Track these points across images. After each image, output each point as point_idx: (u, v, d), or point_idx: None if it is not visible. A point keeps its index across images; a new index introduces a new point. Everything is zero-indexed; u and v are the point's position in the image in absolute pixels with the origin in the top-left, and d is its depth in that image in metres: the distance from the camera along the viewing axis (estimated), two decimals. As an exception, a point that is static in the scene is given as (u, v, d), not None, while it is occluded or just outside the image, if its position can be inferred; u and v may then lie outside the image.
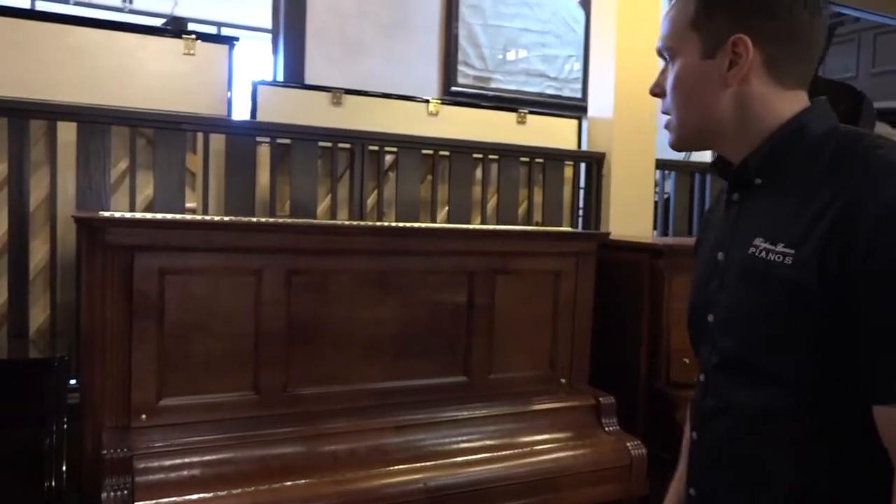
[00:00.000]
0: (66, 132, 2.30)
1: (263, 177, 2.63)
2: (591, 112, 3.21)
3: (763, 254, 0.99)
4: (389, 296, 2.17)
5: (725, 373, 1.05)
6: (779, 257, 0.97)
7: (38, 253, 2.32)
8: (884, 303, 0.88)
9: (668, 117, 1.12)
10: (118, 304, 1.83)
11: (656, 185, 3.34)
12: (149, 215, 2.14)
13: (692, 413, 1.15)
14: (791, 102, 1.05)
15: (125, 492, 1.67)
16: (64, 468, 1.81)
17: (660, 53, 1.13)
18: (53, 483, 1.77)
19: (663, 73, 1.12)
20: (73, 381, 2.05)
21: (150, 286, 1.86)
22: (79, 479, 1.84)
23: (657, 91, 1.14)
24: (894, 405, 0.89)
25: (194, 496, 1.74)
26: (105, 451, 1.71)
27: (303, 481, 1.88)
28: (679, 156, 3.54)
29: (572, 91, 5.84)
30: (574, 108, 4.86)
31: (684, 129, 1.10)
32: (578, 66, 5.79)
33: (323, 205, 2.72)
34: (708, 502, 1.11)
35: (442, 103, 3.02)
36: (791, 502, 0.99)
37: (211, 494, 1.79)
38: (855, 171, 0.93)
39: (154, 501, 1.67)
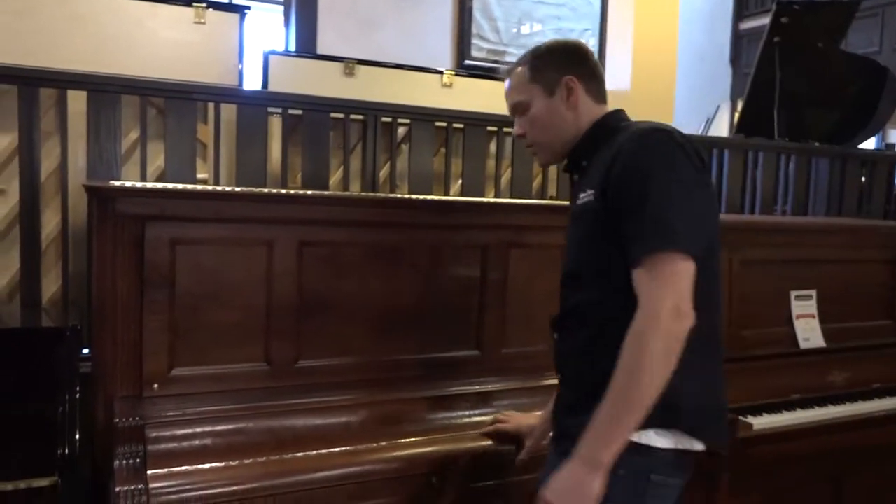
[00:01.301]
0: (76, 102, 2.28)
1: (275, 148, 2.60)
2: (607, 85, 3.14)
3: (581, 200, 1.51)
4: (402, 268, 2.15)
5: (564, 286, 1.57)
6: (588, 198, 1.48)
7: (50, 223, 2.31)
8: (626, 194, 1.39)
9: (532, 148, 1.66)
10: (129, 274, 1.82)
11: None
12: (160, 185, 2.12)
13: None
14: (600, 110, 1.60)
15: (137, 460, 1.67)
16: (77, 436, 1.81)
17: (514, 110, 1.65)
18: (66, 451, 1.77)
19: (520, 123, 1.65)
20: (85, 351, 2.05)
21: (161, 256, 1.84)
22: (91, 448, 1.84)
23: (521, 132, 1.65)
24: (637, 266, 1.34)
25: (206, 465, 1.74)
26: (117, 420, 1.71)
27: (314, 452, 1.88)
28: (698, 129, 3.49)
29: (587, 67, 5.75)
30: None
31: (550, 148, 1.63)
32: (594, 40, 5.67)
33: (335, 177, 2.69)
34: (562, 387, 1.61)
35: (456, 75, 2.97)
36: (580, 384, 1.48)
37: (222, 464, 1.79)
38: (620, 138, 1.46)
39: (166, 470, 1.67)
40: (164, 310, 1.85)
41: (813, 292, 2.70)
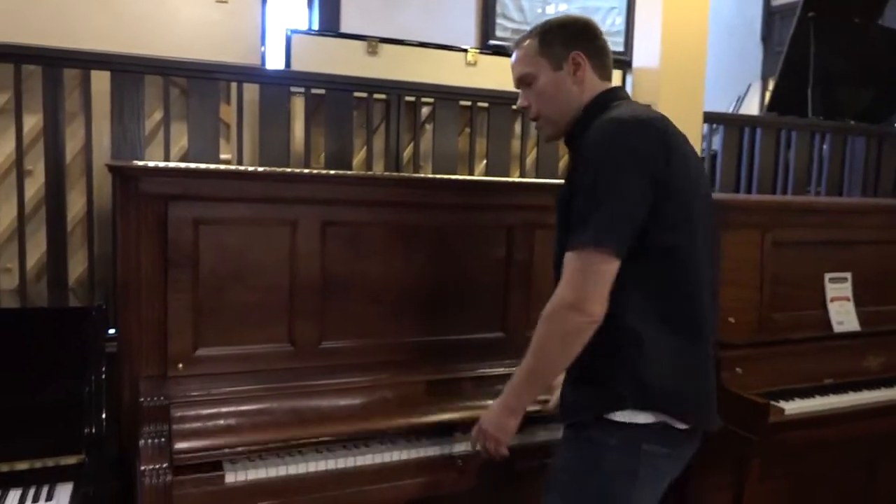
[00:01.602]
0: (100, 82, 2.28)
1: (298, 129, 2.58)
2: (636, 62, 3.08)
3: (564, 187, 1.57)
4: (425, 249, 2.12)
5: (555, 275, 1.54)
6: (563, 185, 1.58)
7: (76, 204, 2.32)
8: (574, 187, 1.47)
9: (537, 122, 1.68)
10: (153, 254, 1.82)
11: (703, 140, 3.21)
12: (182, 164, 2.11)
13: None
14: (603, 87, 1.62)
15: (162, 439, 1.67)
16: (103, 415, 1.82)
17: (520, 82, 1.67)
18: (93, 430, 1.78)
19: (525, 96, 1.67)
20: (112, 331, 2.06)
21: (185, 236, 1.83)
22: (118, 426, 1.85)
23: (525, 104, 1.67)
24: (570, 250, 1.43)
25: (230, 444, 1.74)
26: (142, 399, 1.71)
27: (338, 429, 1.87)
28: (728, 108, 3.40)
29: (614, 45, 5.58)
30: (615, 64, 4.70)
31: (555, 122, 1.64)
32: (620, 19, 5.57)
33: (358, 157, 2.67)
34: None
35: (480, 53, 2.92)
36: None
37: (247, 440, 1.79)
38: (595, 121, 1.52)
39: (190, 446, 1.67)
40: (188, 290, 1.85)
41: (848, 274, 2.63)
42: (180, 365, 1.85)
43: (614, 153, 1.43)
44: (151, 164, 1.86)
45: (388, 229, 2.07)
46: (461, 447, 1.89)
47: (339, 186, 2.00)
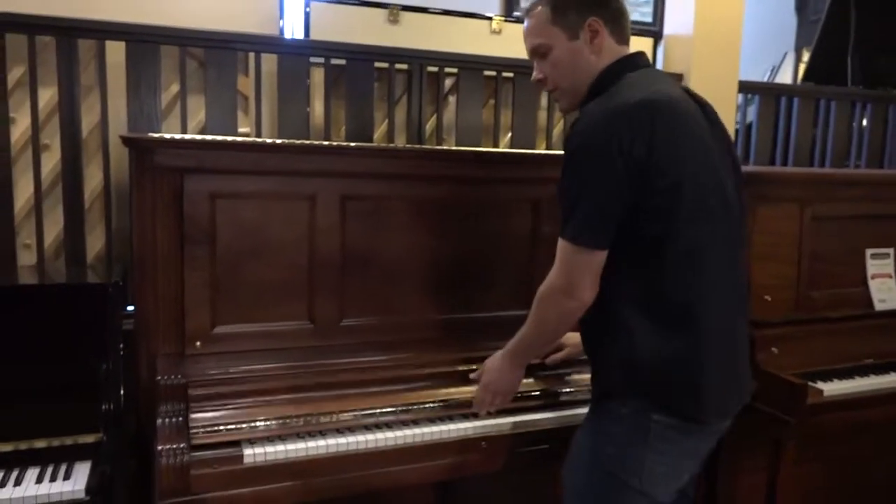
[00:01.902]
0: (115, 54, 2.22)
1: (318, 101, 2.51)
2: (667, 29, 2.95)
3: None
4: (449, 224, 2.05)
5: None
6: None
7: (93, 180, 2.28)
8: (561, 171, 1.49)
9: (554, 94, 1.62)
10: (169, 229, 1.77)
11: (737, 111, 3.08)
12: (198, 136, 2.05)
13: None
14: (621, 52, 1.55)
15: (180, 418, 1.63)
16: (121, 393, 1.79)
17: (533, 53, 1.60)
18: (111, 407, 1.75)
19: (539, 68, 1.60)
20: (131, 308, 2.02)
21: (201, 210, 1.78)
22: (135, 404, 1.82)
23: (540, 77, 1.60)
24: (560, 235, 1.48)
25: (249, 422, 1.70)
26: (159, 378, 1.67)
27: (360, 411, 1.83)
28: (764, 77, 3.26)
29: (642, 14, 5.44)
30: (643, 34, 4.55)
31: (574, 93, 1.57)
32: (652, -15, 5.40)
33: (380, 130, 2.59)
34: None
35: (505, 20, 2.81)
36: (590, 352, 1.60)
37: (266, 418, 1.75)
38: (589, 104, 1.51)
39: (208, 424, 1.63)
40: (205, 266, 1.80)
41: (890, 250, 2.51)
42: (198, 343, 1.81)
43: (586, 149, 1.42)
44: (167, 135, 1.80)
45: (410, 203, 2.00)
46: (485, 428, 1.84)
47: (358, 159, 1.93)
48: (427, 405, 1.88)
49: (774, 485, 2.30)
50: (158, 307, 1.78)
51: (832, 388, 2.25)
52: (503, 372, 1.73)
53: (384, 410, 1.82)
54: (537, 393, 1.94)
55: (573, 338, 1.90)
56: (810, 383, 2.20)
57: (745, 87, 3.06)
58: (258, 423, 1.73)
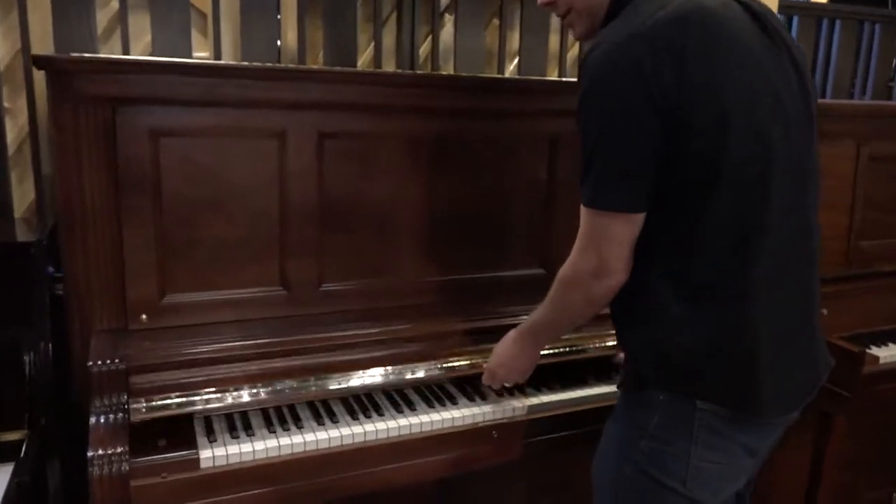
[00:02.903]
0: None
1: (290, 21, 2.12)
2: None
3: None
4: (449, 167, 1.70)
5: None
6: None
7: (18, 118, 1.89)
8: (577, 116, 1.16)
9: (566, 19, 1.31)
10: (99, 175, 1.41)
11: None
12: (133, 57, 1.66)
13: None
14: None
15: (119, 416, 1.31)
16: (49, 377, 1.46)
17: None
18: (39, 397, 1.42)
19: None
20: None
21: (140, 151, 1.42)
22: (69, 390, 1.49)
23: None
24: (582, 202, 1.17)
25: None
26: (92, 364, 1.33)
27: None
28: (807, -5, 2.87)
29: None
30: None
31: (589, 16, 1.26)
32: None
33: (364, 56, 2.20)
34: None
35: (512, -76, 2.39)
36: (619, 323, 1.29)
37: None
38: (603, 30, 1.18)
39: (154, 409, 1.31)
40: (149, 221, 1.45)
41: (952, 195, 2.20)
42: (144, 316, 1.47)
43: (601, 86, 1.11)
44: (89, 55, 1.42)
45: (403, 142, 1.64)
46: (496, 414, 1.53)
47: (338, 86, 1.56)
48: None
49: (821, 461, 2.04)
50: (90, 273, 1.44)
51: (890, 353, 1.97)
52: (515, 357, 1.46)
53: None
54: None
55: None
56: (866, 349, 1.92)
57: (787, 8, 2.67)
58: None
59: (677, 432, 1.15)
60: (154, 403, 1.34)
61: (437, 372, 1.58)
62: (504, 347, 1.47)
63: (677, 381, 1.15)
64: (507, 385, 1.54)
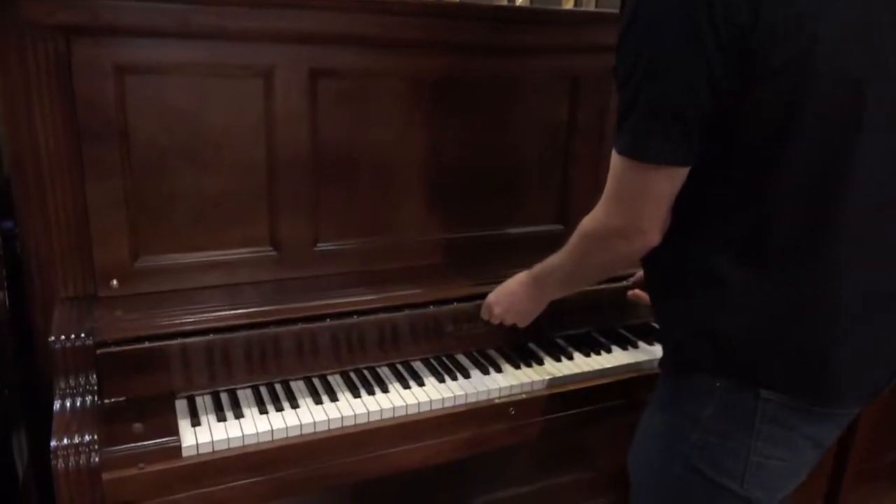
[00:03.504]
0: None
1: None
2: None
3: None
4: (458, 111, 1.50)
5: None
6: None
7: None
8: (618, 45, 0.96)
9: None
10: (55, 121, 1.21)
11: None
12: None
13: None
14: None
15: (88, 399, 1.15)
16: (9, 355, 1.29)
17: None
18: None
19: None
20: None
21: (103, 92, 1.21)
22: (33, 367, 1.33)
23: None
24: (615, 148, 0.99)
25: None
26: (54, 339, 1.16)
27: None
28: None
29: None
30: None
31: None
32: None
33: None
34: None
35: None
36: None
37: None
38: None
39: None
40: (116, 173, 1.25)
41: None
42: (114, 282, 1.30)
43: (651, 15, 0.91)
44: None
45: (406, 82, 1.44)
46: (514, 389, 1.38)
47: (333, 15, 1.33)
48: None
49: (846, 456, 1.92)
50: (51, 233, 1.25)
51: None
52: (518, 300, 1.33)
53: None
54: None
55: None
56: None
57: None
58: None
59: (735, 425, 1.00)
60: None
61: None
62: (509, 286, 1.34)
63: (737, 366, 0.99)
64: (505, 323, 1.38)
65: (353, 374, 1.37)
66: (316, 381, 1.34)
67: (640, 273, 1.49)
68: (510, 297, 1.34)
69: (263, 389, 1.31)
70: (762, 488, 1.02)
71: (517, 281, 1.33)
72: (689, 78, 0.90)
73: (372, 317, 1.38)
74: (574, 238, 1.13)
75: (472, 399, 1.35)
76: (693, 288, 1.03)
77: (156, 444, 1.13)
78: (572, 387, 1.41)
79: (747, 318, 0.97)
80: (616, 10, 1.50)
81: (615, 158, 0.99)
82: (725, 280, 0.98)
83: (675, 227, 1.01)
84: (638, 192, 0.99)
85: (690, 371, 1.04)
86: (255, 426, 1.20)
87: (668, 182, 0.97)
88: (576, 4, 2.19)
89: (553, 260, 1.21)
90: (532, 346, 1.52)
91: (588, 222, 1.09)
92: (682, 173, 0.97)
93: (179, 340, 1.24)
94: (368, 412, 1.27)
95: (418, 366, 1.42)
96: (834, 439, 1.09)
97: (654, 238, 1.01)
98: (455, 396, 1.33)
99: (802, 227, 0.95)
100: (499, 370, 1.42)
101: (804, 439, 1.02)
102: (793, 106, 0.90)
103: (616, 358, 1.49)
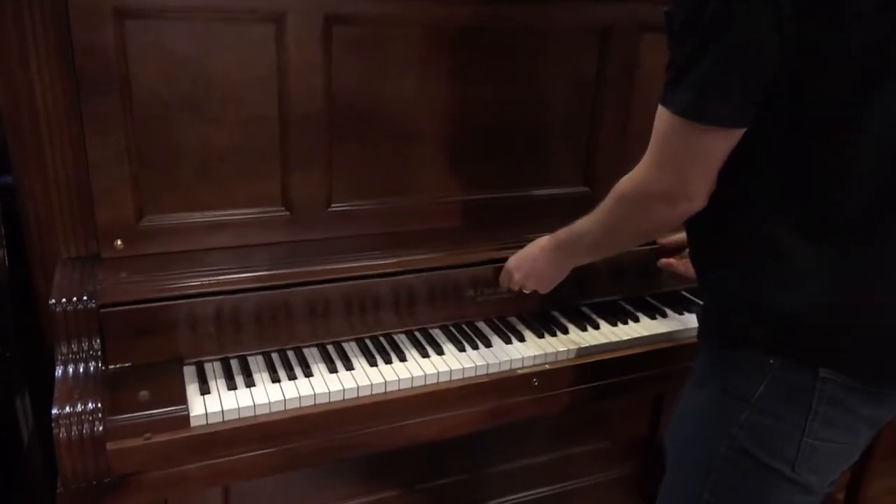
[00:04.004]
0: None
1: None
2: None
3: None
4: (480, 64, 1.41)
5: None
6: None
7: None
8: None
9: None
10: (51, 70, 1.13)
11: None
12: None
13: None
14: None
15: (91, 364, 1.09)
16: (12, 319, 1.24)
17: None
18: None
19: None
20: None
21: (102, 38, 1.13)
22: (36, 330, 1.27)
23: None
24: (662, 104, 0.90)
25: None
26: (55, 302, 1.10)
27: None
28: None
29: None
30: None
31: None
32: None
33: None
34: None
35: None
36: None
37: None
38: None
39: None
40: (117, 126, 1.18)
41: None
42: (118, 242, 1.23)
43: None
44: None
45: (426, 32, 1.35)
46: (537, 359, 1.32)
47: (349, -43, 1.24)
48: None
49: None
50: (50, 191, 1.18)
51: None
52: (540, 266, 1.26)
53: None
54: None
55: None
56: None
57: None
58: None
59: (791, 405, 0.92)
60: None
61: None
62: (531, 250, 1.28)
63: (796, 344, 0.92)
64: (525, 291, 1.32)
65: (368, 341, 1.31)
66: (330, 348, 1.28)
67: (671, 238, 1.41)
68: (531, 262, 1.27)
69: (275, 356, 1.25)
70: (814, 472, 0.95)
71: (539, 245, 1.26)
72: (758, 33, 0.81)
73: (389, 280, 1.31)
74: (608, 201, 1.05)
75: (493, 369, 1.28)
76: (749, 259, 0.94)
77: (163, 412, 1.07)
78: (599, 357, 1.35)
79: (811, 294, 0.89)
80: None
81: (665, 117, 0.90)
82: (787, 253, 0.90)
83: (730, 192, 0.93)
84: (690, 154, 0.90)
85: (739, 346, 0.96)
86: (266, 395, 1.14)
87: (724, 143, 0.88)
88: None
89: (581, 224, 1.13)
90: (556, 314, 1.45)
91: (627, 184, 1.00)
92: (738, 135, 0.88)
93: (187, 302, 1.18)
94: (385, 382, 1.21)
95: (437, 333, 1.36)
96: (889, 420, 1.02)
97: (699, 203, 0.93)
98: (476, 366, 1.27)
99: (883, 198, 0.86)
100: (521, 339, 1.35)
101: (862, 421, 0.95)
102: (874, 59, 0.80)
103: (645, 327, 1.42)
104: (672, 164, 0.92)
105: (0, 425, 1.29)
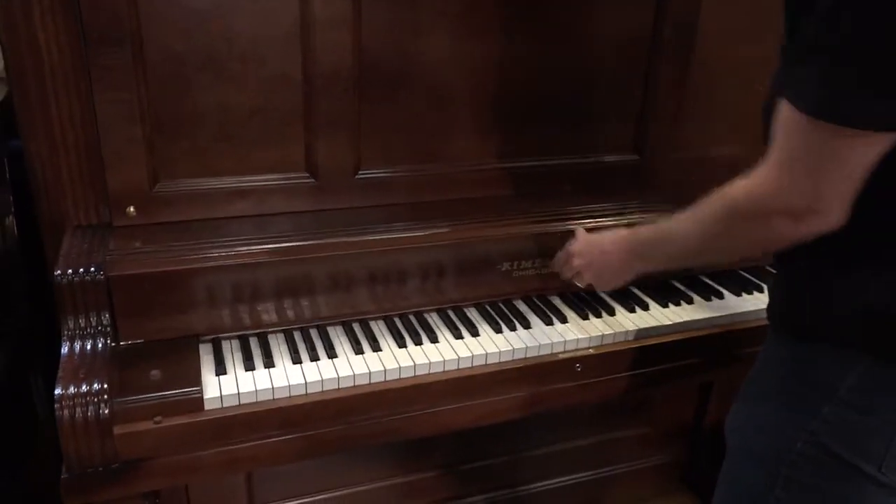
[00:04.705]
0: None
1: None
2: None
3: None
4: (521, 21, 1.28)
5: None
6: None
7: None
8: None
9: None
10: (56, 24, 1.03)
11: None
12: None
13: None
14: None
15: (99, 341, 1.01)
16: (21, 285, 1.17)
17: None
18: (10, 308, 1.14)
19: None
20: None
21: (110, -14, 1.04)
22: (45, 301, 1.20)
23: None
24: (788, 100, 0.76)
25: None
26: (60, 273, 1.02)
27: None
28: None
29: None
30: None
31: None
32: None
33: None
34: None
35: None
36: None
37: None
38: None
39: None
40: (129, 83, 1.08)
41: None
42: (131, 209, 1.15)
43: None
44: None
45: (464, -17, 1.22)
46: (580, 343, 1.21)
47: None
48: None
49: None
50: (58, 154, 1.10)
51: None
52: (608, 260, 1.11)
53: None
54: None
55: None
56: None
57: None
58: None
59: (881, 400, 0.81)
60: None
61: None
62: (602, 241, 1.14)
63: (891, 344, 0.80)
64: (578, 283, 1.20)
65: (397, 320, 1.22)
66: (356, 327, 1.19)
67: None
68: (600, 253, 1.13)
69: (297, 334, 1.16)
70: None
71: (612, 239, 1.12)
72: None
73: (419, 253, 1.21)
74: (713, 208, 0.88)
75: (532, 353, 1.18)
76: (853, 255, 0.81)
77: (175, 394, 1.00)
78: (649, 341, 1.23)
79: None
80: None
81: (793, 115, 0.75)
82: (890, 248, 0.78)
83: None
84: (828, 162, 0.74)
85: (827, 338, 0.84)
86: (286, 377, 1.06)
87: (871, 150, 0.73)
88: None
89: (672, 227, 0.97)
90: (601, 292, 1.34)
91: (740, 193, 0.83)
92: (885, 140, 0.72)
93: (204, 274, 1.10)
94: (415, 365, 1.11)
95: (471, 312, 1.26)
96: None
97: (833, 221, 0.77)
98: (514, 349, 1.17)
99: None
100: (563, 320, 1.24)
101: None
102: None
103: (699, 310, 1.30)
104: (804, 175, 0.77)
105: (15, 400, 1.23)
